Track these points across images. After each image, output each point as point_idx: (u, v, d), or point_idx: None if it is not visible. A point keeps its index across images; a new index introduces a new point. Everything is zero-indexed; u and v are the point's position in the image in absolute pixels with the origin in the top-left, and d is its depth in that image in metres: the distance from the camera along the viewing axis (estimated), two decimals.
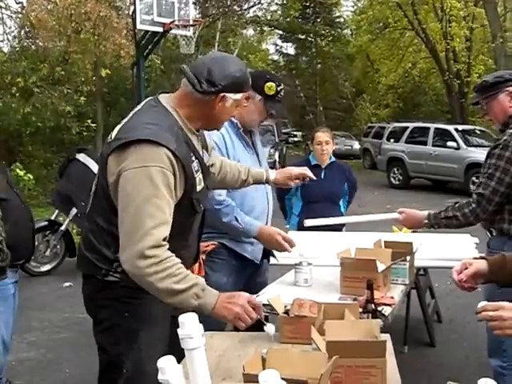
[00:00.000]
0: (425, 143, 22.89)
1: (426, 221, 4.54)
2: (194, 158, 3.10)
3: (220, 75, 3.03)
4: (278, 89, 4.40)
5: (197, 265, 3.69)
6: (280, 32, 50.98)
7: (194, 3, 22.91)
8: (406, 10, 34.52)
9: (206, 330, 2.40)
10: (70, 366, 6.32)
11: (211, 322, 2.91)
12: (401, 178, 23.87)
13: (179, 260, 2.89)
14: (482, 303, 2.47)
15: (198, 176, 3.12)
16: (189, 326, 2.24)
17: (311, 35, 49.11)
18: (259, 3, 38.09)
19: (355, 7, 50.38)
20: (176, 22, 16.49)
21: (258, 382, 2.10)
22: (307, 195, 6.60)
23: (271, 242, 4.25)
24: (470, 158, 20.10)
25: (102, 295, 3.16)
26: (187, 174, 3.01)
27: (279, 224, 4.85)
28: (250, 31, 48.87)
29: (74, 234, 10.40)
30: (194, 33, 17.39)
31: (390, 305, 3.94)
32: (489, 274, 3.00)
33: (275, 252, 4.66)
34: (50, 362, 6.50)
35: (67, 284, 9.22)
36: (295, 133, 45.88)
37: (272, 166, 19.42)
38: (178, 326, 2.31)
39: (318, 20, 48.80)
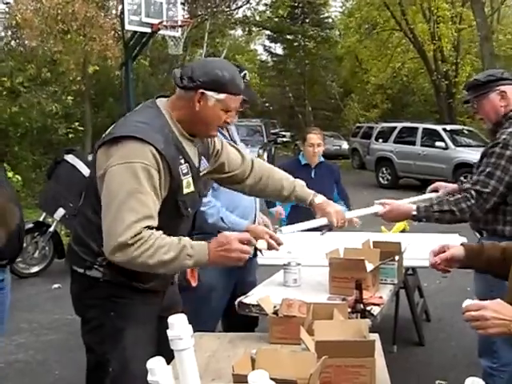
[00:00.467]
0: (413, 143, 22.95)
1: (415, 213, 4.32)
2: (183, 161, 3.10)
3: (200, 72, 3.06)
4: (242, 74, 4.39)
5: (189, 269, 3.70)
6: (268, 32, 50.97)
7: (182, 3, 22.87)
8: (393, 11, 34.60)
9: (195, 330, 2.40)
10: (59, 368, 6.29)
11: (201, 322, 2.92)
12: (389, 177, 23.91)
13: (160, 232, 2.92)
14: (466, 303, 2.48)
15: (187, 179, 3.12)
16: (178, 327, 2.25)
17: (299, 36, 49.10)
18: (247, 2, 38.04)
19: (343, 7, 50.43)
20: (164, 23, 16.47)
21: (247, 382, 2.11)
22: None
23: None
24: (459, 158, 20.19)
25: (88, 294, 3.18)
26: (173, 174, 3.02)
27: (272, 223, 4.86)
28: (238, 31, 48.82)
29: (62, 235, 10.36)
30: (183, 33, 17.38)
31: (378, 304, 3.95)
32: (465, 260, 3.07)
33: (260, 254, 4.68)
34: (39, 364, 6.48)
35: (56, 285, 9.20)
36: (284, 133, 45.89)
37: None
38: (167, 327, 2.31)
39: (307, 20, 48.80)
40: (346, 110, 45.41)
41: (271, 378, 2.14)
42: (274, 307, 3.42)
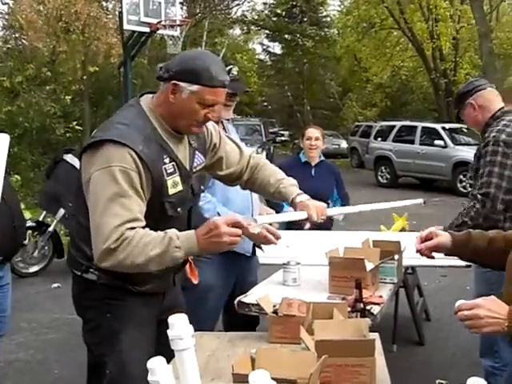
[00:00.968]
0: (412, 142, 22.95)
1: None
2: (167, 160, 3.04)
3: (175, 62, 3.01)
4: (228, 68, 4.38)
5: (187, 266, 3.69)
6: (266, 32, 50.98)
7: (180, 3, 22.89)
8: (392, 9, 34.58)
9: (195, 330, 2.40)
10: (59, 367, 6.30)
11: (199, 322, 2.91)
12: (388, 176, 23.92)
13: (145, 229, 2.90)
14: (459, 302, 2.49)
15: (172, 179, 3.06)
16: (178, 327, 2.24)
17: (298, 35, 49.10)
18: (246, 1, 38.13)
19: (342, 6, 50.41)
20: (163, 22, 16.47)
21: (247, 381, 2.10)
22: None
23: (256, 235, 4.24)
24: (458, 157, 20.18)
25: (86, 296, 3.19)
26: (153, 175, 2.96)
27: None
28: (236, 31, 48.89)
29: (61, 235, 10.37)
30: (181, 33, 17.39)
31: (378, 304, 3.94)
32: (451, 249, 3.10)
33: (259, 254, 4.68)
34: (38, 363, 6.49)
35: (56, 285, 9.20)
36: (282, 132, 45.95)
37: None
38: (167, 328, 2.31)
39: (305, 19, 48.79)
40: (345, 109, 45.39)
41: (271, 378, 2.14)
42: (274, 306, 3.41)
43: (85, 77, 21.58)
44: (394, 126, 24.51)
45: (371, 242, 4.66)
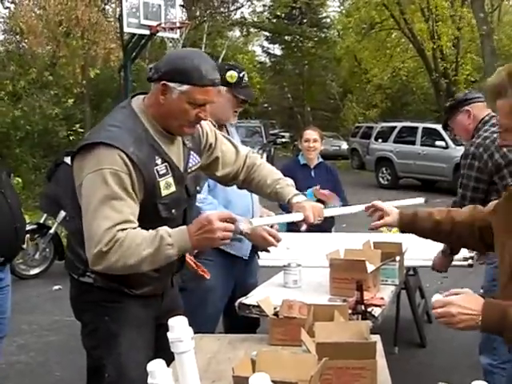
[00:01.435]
0: (413, 143, 22.90)
1: None
2: (159, 162, 3.02)
3: (164, 62, 2.99)
4: (241, 75, 4.38)
5: (193, 265, 3.69)
6: (266, 33, 51.00)
7: (181, 5, 22.90)
8: (392, 10, 34.58)
9: (196, 332, 2.39)
10: (60, 369, 6.31)
11: (199, 324, 2.90)
12: (389, 177, 23.86)
13: (136, 229, 2.88)
14: (434, 299, 2.52)
15: (165, 180, 3.04)
16: (178, 330, 2.24)
17: (298, 37, 49.13)
18: (247, 2, 38.17)
19: (341, 7, 50.39)
20: (163, 25, 16.49)
21: None
22: None
23: (256, 237, 4.24)
24: (459, 158, 20.05)
25: (83, 298, 3.19)
26: (145, 178, 2.94)
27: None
28: (236, 32, 48.89)
29: (62, 237, 10.36)
30: (181, 35, 17.40)
31: (379, 306, 3.94)
32: (398, 227, 3.31)
33: (261, 255, 4.69)
34: (39, 365, 6.50)
35: (56, 287, 9.20)
36: (283, 134, 45.96)
37: None
38: (166, 332, 2.30)
39: (305, 21, 48.82)
40: (345, 110, 45.36)
41: (272, 381, 2.13)
42: (275, 308, 3.41)
43: (84, 82, 21.58)
44: (394, 127, 24.45)
45: (372, 243, 4.65)
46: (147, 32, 16.37)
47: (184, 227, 2.94)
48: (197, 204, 4.10)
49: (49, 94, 19.75)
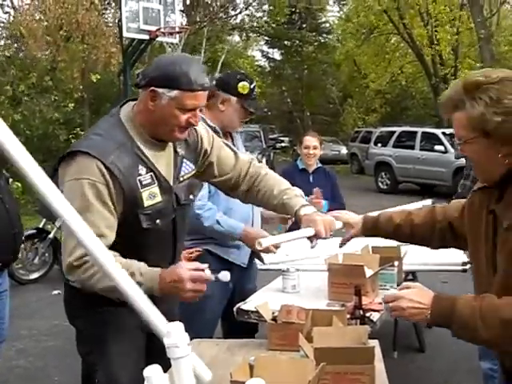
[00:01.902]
0: (412, 147, 22.89)
1: None
2: (143, 172, 2.97)
3: (151, 68, 2.95)
4: (252, 86, 4.38)
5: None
6: (266, 38, 51.03)
7: (180, 11, 22.94)
8: (391, 15, 34.60)
9: (194, 338, 2.39)
10: (58, 374, 6.32)
11: (197, 330, 2.89)
12: (389, 182, 23.86)
13: (115, 254, 2.80)
14: (386, 295, 2.60)
15: (149, 190, 2.99)
16: (175, 335, 2.23)
17: (297, 41, 49.18)
18: (246, 9, 38.19)
19: (341, 12, 50.44)
20: (162, 30, 16.51)
21: None
22: None
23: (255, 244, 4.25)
24: (458, 162, 20.00)
25: (73, 304, 3.19)
26: (124, 188, 2.89)
27: (268, 229, 4.84)
28: (236, 37, 48.91)
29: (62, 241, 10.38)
30: (180, 40, 17.43)
31: (378, 311, 3.93)
32: (362, 233, 3.30)
33: (262, 254, 4.69)
34: (38, 370, 6.51)
35: (56, 292, 9.18)
36: (282, 138, 45.94)
37: None
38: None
39: (304, 26, 48.87)
40: (345, 115, 45.38)
41: None
42: (273, 313, 3.41)
43: (81, 86, 21.60)
44: (393, 132, 24.46)
45: (371, 248, 4.65)
46: (147, 37, 16.41)
47: (158, 271, 2.88)
48: (195, 211, 4.10)
49: (49, 98, 19.77)
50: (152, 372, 2.13)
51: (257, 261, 4.80)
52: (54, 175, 8.17)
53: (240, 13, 38.40)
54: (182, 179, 3.19)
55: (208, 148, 3.38)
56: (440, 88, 33.88)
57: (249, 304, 4.04)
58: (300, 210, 3.36)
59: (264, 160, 24.61)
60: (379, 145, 24.64)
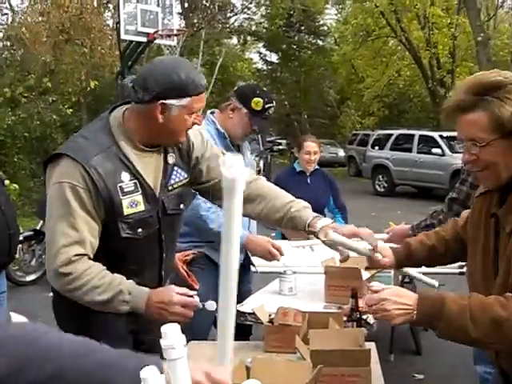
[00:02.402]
0: (409, 150, 22.93)
1: (410, 232, 4.64)
2: (126, 178, 2.91)
3: (154, 81, 2.83)
4: (266, 106, 4.35)
5: (185, 275, 3.67)
6: (264, 41, 51.08)
7: (178, 13, 22.95)
8: (388, 18, 34.65)
9: (190, 339, 2.39)
10: None
11: (192, 334, 2.89)
12: (386, 185, 23.88)
13: (101, 268, 2.83)
14: (367, 298, 2.51)
15: (130, 198, 2.91)
16: (171, 337, 2.23)
17: (295, 46, 49.21)
18: (243, 12, 38.25)
19: (339, 16, 50.47)
20: (160, 32, 16.52)
21: None
22: None
23: (262, 251, 4.25)
24: (456, 165, 19.96)
25: (60, 308, 3.17)
26: (102, 194, 2.83)
27: (265, 233, 4.85)
28: (234, 40, 48.99)
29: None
30: (178, 42, 17.44)
31: None
32: (397, 266, 3.25)
33: (255, 261, 4.70)
34: None
35: (52, 294, 9.18)
36: (280, 141, 45.93)
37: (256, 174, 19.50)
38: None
39: (302, 28, 48.89)
40: (343, 118, 45.40)
41: None
42: (270, 316, 3.41)
43: (78, 90, 21.64)
44: (391, 135, 24.50)
45: None
46: (144, 39, 16.42)
47: (147, 291, 2.88)
48: (201, 213, 4.11)
49: (48, 100, 19.79)
50: (149, 373, 2.13)
51: (256, 261, 4.80)
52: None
53: (236, 14, 38.45)
54: (171, 188, 3.12)
55: (199, 156, 3.29)
56: (437, 91, 33.97)
57: (245, 306, 4.04)
58: (315, 221, 3.23)
59: (261, 163, 24.62)
60: (376, 148, 24.68)
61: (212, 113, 4.50)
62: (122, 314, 2.96)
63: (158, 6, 17.25)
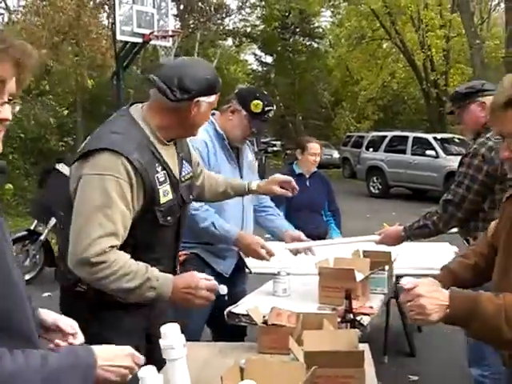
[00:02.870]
0: (404, 152, 22.98)
1: (403, 233, 4.67)
2: (159, 169, 3.07)
3: (192, 81, 3.04)
4: (266, 109, 4.37)
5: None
6: (259, 43, 51.05)
7: (174, 15, 22.96)
8: (382, 20, 34.68)
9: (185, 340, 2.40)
10: None
11: (190, 332, 2.90)
12: (380, 186, 23.89)
13: (128, 256, 2.91)
14: (402, 296, 2.47)
15: (163, 188, 3.08)
16: (171, 337, 2.25)
17: (290, 49, 49.20)
18: (239, 13, 38.28)
19: (333, 18, 50.45)
20: (155, 33, 16.51)
21: None
22: (292, 204, 6.58)
23: (249, 251, 4.27)
24: (449, 167, 19.98)
25: (73, 306, 3.16)
26: (146, 185, 2.98)
27: (261, 233, 4.85)
28: (229, 42, 48.96)
29: (53, 244, 10.33)
30: (173, 43, 17.44)
31: (368, 314, 3.95)
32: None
33: (249, 262, 4.70)
34: None
35: (46, 294, 9.15)
36: (274, 142, 45.94)
37: None
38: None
39: (297, 30, 48.87)
40: (337, 119, 45.40)
41: None
42: (264, 317, 3.41)
43: (77, 86, 21.64)
44: (385, 137, 24.55)
45: (361, 252, 4.67)
46: (140, 40, 16.41)
47: (172, 277, 3.00)
48: (192, 212, 4.12)
49: (44, 102, 19.78)
50: (146, 373, 2.14)
51: (249, 262, 4.81)
52: (46, 177, 8.14)
53: (231, 16, 38.48)
54: (183, 179, 3.29)
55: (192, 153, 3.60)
56: (431, 93, 34.01)
57: (239, 307, 4.04)
58: (251, 183, 4.10)
59: (256, 164, 24.56)
60: (371, 149, 24.71)
61: (212, 114, 4.52)
62: (135, 310, 3.11)
63: (154, 7, 17.24)
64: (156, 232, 3.11)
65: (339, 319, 3.46)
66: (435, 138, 22.36)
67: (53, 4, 19.58)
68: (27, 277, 9.99)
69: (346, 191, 21.92)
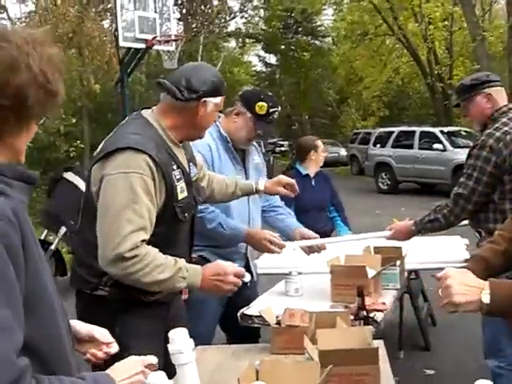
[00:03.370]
0: (411, 147, 22.96)
1: (414, 227, 4.66)
2: (175, 167, 3.17)
3: (199, 82, 3.19)
4: (270, 110, 4.35)
5: None
6: (262, 43, 51.03)
7: (178, 19, 22.97)
8: (385, 16, 34.59)
9: (196, 343, 2.39)
10: None
11: (196, 336, 2.90)
12: (389, 182, 23.88)
13: (156, 250, 2.99)
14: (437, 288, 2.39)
15: (180, 184, 3.18)
16: (179, 341, 2.24)
17: (293, 47, 49.15)
18: (241, 12, 38.27)
19: (335, 15, 50.34)
20: (158, 38, 16.50)
21: None
22: (300, 204, 6.55)
23: (260, 245, 4.26)
24: (457, 160, 19.88)
25: (93, 312, 3.16)
26: (167, 180, 3.08)
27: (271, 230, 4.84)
28: (232, 43, 49.00)
29: (64, 252, 10.35)
30: (177, 47, 17.43)
31: (381, 310, 3.93)
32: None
33: (260, 263, 4.71)
34: None
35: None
36: (282, 142, 45.93)
37: None
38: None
39: (300, 29, 48.83)
40: (343, 117, 45.37)
41: None
42: (277, 317, 3.40)
43: (83, 92, 21.69)
44: (392, 132, 24.53)
45: (372, 248, 4.66)
46: (143, 46, 16.39)
47: (200, 268, 3.13)
48: (198, 215, 4.11)
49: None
50: (156, 379, 2.13)
51: (261, 263, 4.81)
52: (55, 186, 8.17)
53: (234, 18, 38.49)
54: (192, 180, 3.40)
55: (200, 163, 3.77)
56: (436, 87, 33.93)
57: (252, 309, 4.03)
58: (258, 183, 4.20)
59: (264, 165, 24.55)
60: (378, 145, 24.69)
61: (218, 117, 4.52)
62: (155, 311, 3.22)
63: (156, 12, 17.22)
64: (175, 228, 3.23)
65: (352, 317, 3.45)
66: (442, 132, 22.32)
67: (55, 12, 19.64)
68: None
69: (355, 188, 21.93)
